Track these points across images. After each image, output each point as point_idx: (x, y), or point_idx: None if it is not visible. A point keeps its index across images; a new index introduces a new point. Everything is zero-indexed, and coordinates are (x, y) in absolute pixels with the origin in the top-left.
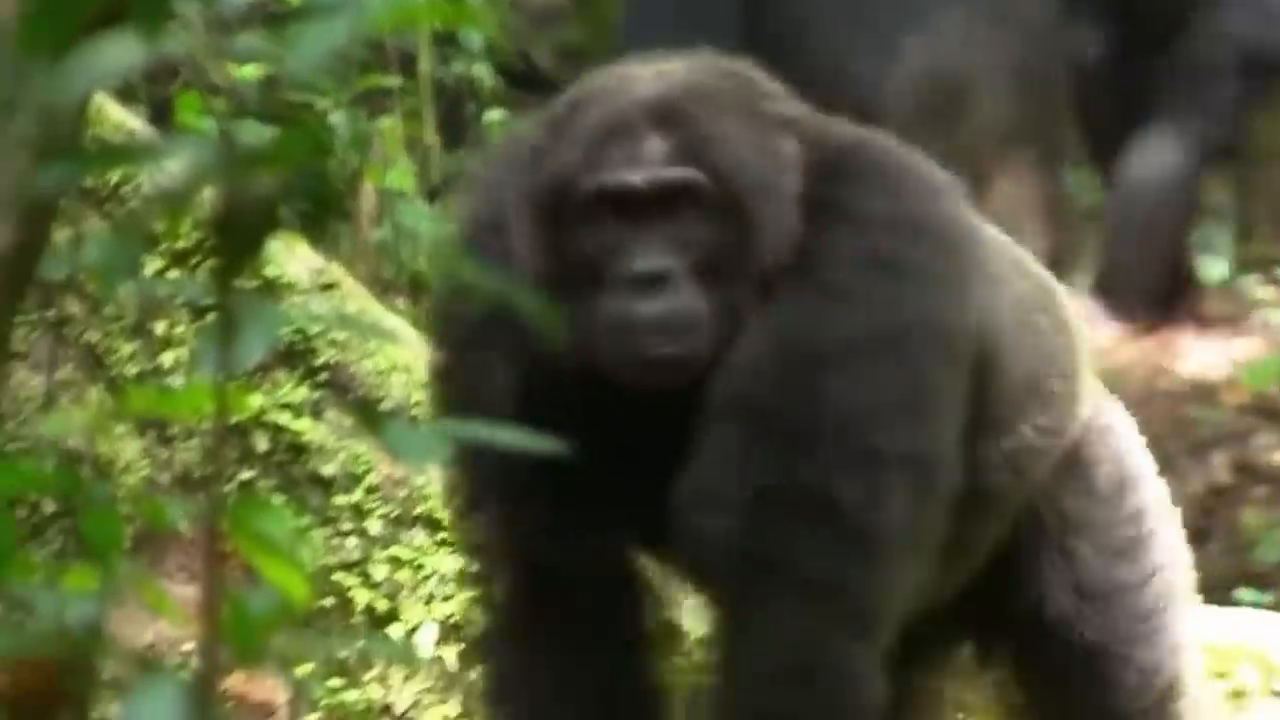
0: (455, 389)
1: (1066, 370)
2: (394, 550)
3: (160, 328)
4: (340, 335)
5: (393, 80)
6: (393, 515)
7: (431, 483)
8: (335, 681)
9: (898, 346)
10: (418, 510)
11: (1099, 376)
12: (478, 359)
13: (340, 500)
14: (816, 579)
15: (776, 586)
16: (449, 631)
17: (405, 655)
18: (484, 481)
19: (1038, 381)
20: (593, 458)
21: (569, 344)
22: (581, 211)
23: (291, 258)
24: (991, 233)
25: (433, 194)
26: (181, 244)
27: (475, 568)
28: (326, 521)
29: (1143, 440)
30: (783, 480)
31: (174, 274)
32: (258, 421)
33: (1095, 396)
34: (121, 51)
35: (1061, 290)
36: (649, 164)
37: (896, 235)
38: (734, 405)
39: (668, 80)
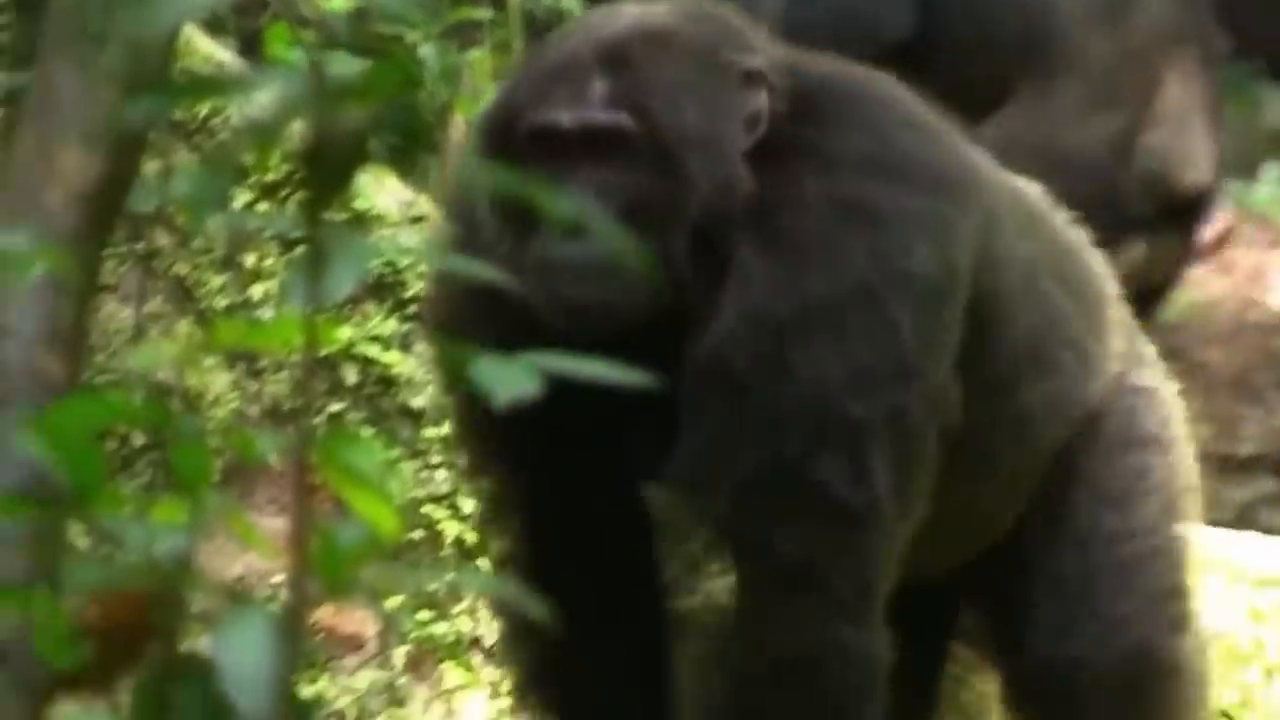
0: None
1: (1077, 337)
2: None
3: (250, 260)
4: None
5: (483, 12)
6: None
7: None
8: (424, 614)
9: (871, 305)
10: None
11: (1189, 309)
12: (467, 330)
13: (430, 433)
14: (803, 566)
15: (763, 574)
16: None
17: (495, 588)
18: (495, 439)
19: (1040, 347)
20: (594, 414)
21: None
22: (520, 150)
23: (381, 190)
24: (1010, 182)
25: None
26: (271, 177)
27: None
28: (416, 454)
29: (1229, 382)
30: (763, 461)
31: (263, 207)
32: (347, 354)
33: (1129, 357)
34: None
35: (1086, 249)
36: (585, 106)
37: (868, 176)
38: (712, 378)
39: (630, 21)
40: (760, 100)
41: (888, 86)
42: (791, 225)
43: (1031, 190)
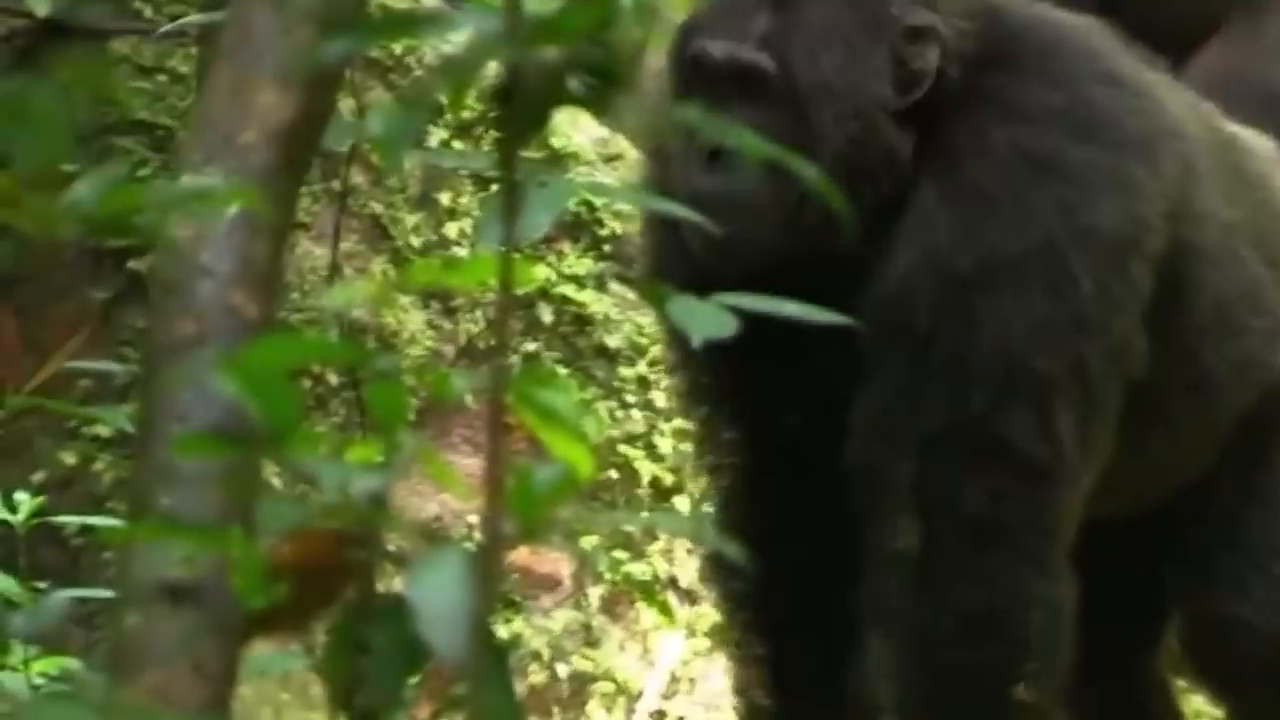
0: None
1: (1271, 306)
2: (679, 423)
3: (445, 199)
4: (625, 207)
5: None
6: None
7: None
8: (620, 554)
9: (1055, 260)
10: None
11: None
12: (665, 269)
13: (625, 372)
14: (990, 520)
15: (949, 528)
16: None
17: (690, 528)
18: (699, 374)
19: (1230, 311)
20: (787, 356)
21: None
22: (686, 79)
23: (576, 129)
24: (1228, 138)
25: None
26: (466, 115)
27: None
28: (611, 393)
29: None
30: (948, 415)
31: (459, 145)
32: (543, 293)
33: None
34: None
35: None
36: (738, 41)
37: (1058, 131)
38: (892, 328)
39: None
40: (927, 57)
41: (1089, 37)
42: (977, 176)
43: (1260, 146)
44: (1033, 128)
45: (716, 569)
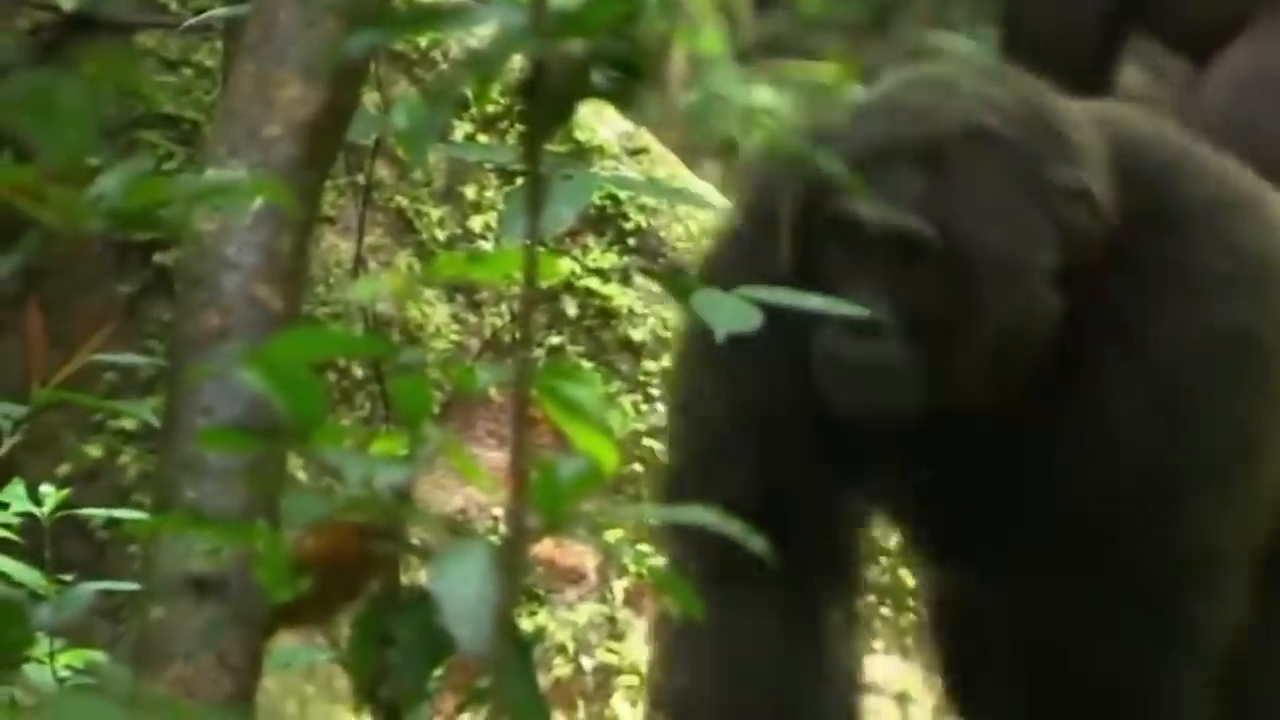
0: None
1: None
2: None
3: (470, 192)
4: (649, 201)
5: None
6: None
7: None
8: (644, 547)
9: (1253, 454)
10: None
11: None
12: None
13: (649, 365)
14: (1151, 693)
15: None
16: None
17: (712, 521)
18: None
19: None
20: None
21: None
22: (821, 229)
23: (601, 123)
24: None
25: (743, 58)
26: (491, 109)
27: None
28: (636, 387)
29: None
30: (1146, 608)
31: (483, 139)
32: (567, 286)
33: None
34: None
35: None
36: (890, 203)
37: (1239, 300)
38: (1085, 524)
39: (953, 113)
40: (1083, 219)
41: (1228, 177)
42: (1178, 365)
43: None
44: (1213, 302)
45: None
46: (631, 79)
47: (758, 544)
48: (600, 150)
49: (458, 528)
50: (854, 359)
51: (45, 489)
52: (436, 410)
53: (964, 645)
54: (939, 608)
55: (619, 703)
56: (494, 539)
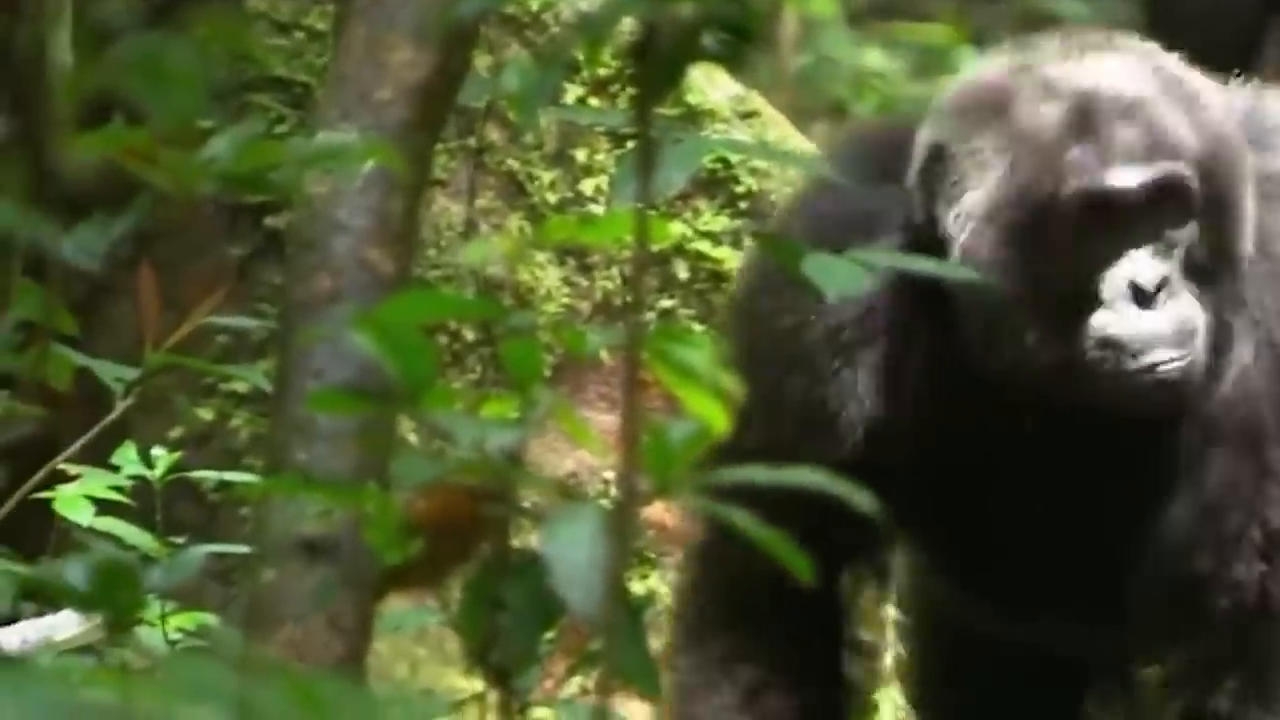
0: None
1: None
2: None
3: (581, 155)
4: (760, 163)
5: None
6: None
7: None
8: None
9: None
10: None
11: None
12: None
13: None
14: None
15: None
16: None
17: (823, 484)
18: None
19: None
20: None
21: (1044, 369)
22: (1061, 223)
23: (712, 86)
24: None
25: (854, 20)
26: (602, 72)
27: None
28: None
29: None
30: None
31: (595, 102)
32: (678, 249)
33: None
34: None
35: None
36: (1130, 163)
37: None
38: (1225, 431)
39: (1107, 66)
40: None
41: None
42: None
43: None
44: None
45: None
46: (742, 42)
47: (864, 501)
48: (711, 114)
49: (568, 491)
50: (1162, 327)
51: (157, 452)
52: (547, 373)
53: (959, 666)
54: (932, 620)
55: None
56: (605, 502)
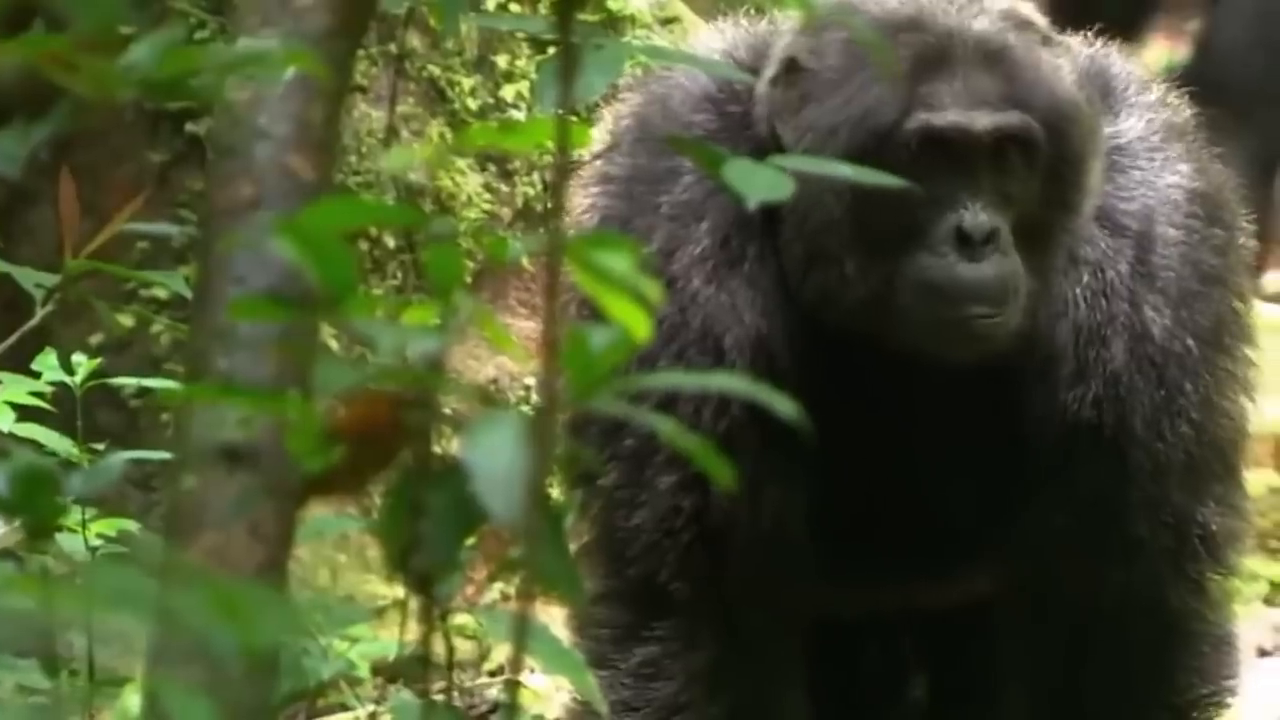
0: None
1: None
2: None
3: (502, 61)
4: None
5: None
6: None
7: None
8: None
9: (1249, 334)
10: None
11: None
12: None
13: None
14: (1192, 611)
15: (1158, 629)
16: None
17: (749, 390)
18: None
19: None
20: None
21: (859, 301)
22: (899, 154)
23: None
24: None
25: None
26: None
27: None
28: None
29: None
30: (1152, 516)
31: (516, 8)
32: None
33: None
34: None
35: None
36: (983, 106)
37: (1210, 192)
38: (1099, 432)
39: (973, 10)
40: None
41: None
42: (1154, 255)
43: None
44: (1188, 197)
45: None
46: None
47: (785, 406)
48: (632, 19)
49: (490, 397)
50: (983, 277)
51: (77, 358)
52: (468, 280)
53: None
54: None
55: None
56: (526, 409)
